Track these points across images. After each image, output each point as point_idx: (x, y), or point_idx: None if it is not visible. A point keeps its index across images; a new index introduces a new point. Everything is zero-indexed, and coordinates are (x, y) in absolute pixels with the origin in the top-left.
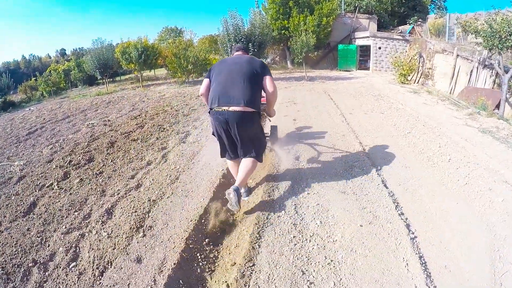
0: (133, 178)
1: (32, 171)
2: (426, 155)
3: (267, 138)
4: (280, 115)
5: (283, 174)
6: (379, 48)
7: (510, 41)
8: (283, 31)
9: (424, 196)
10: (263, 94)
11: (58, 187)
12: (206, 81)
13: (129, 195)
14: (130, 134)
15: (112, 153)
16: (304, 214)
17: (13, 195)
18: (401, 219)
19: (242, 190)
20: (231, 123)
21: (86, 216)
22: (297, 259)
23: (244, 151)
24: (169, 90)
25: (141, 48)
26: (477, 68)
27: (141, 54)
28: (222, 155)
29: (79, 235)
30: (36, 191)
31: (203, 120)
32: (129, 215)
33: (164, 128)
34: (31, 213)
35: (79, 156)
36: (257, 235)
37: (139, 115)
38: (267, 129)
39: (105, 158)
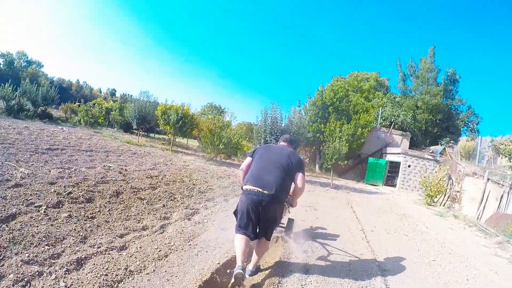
0: (121, 237)
1: (30, 184)
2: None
3: (282, 228)
4: (297, 218)
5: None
6: (409, 166)
7: None
8: (317, 134)
9: None
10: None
11: (44, 212)
12: (248, 159)
13: (108, 254)
14: (139, 191)
15: (113, 202)
16: None
17: (0, 197)
18: None
19: (252, 269)
20: (261, 204)
21: (55, 256)
22: None
23: (262, 231)
24: (195, 163)
25: (181, 114)
26: (508, 193)
27: (179, 119)
28: (237, 230)
29: (37, 272)
30: (22, 205)
31: (216, 202)
32: (97, 276)
33: (174, 198)
34: (5, 224)
35: (81, 192)
36: None
37: (156, 176)
38: (284, 220)
39: (104, 205)
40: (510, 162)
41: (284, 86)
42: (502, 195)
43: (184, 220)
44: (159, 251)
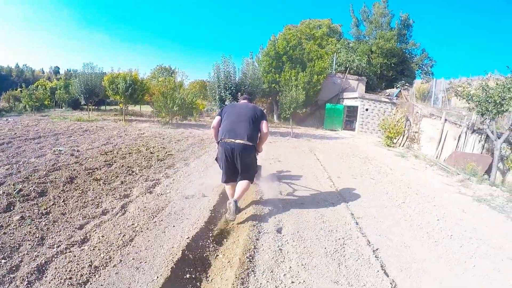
0: (81, 229)
1: None
2: (425, 231)
3: None
4: (262, 172)
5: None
6: (366, 109)
7: (505, 106)
8: (273, 85)
9: (431, 285)
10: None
11: None
12: (217, 117)
13: (70, 251)
14: (94, 172)
15: (68, 190)
16: None
17: None
18: None
19: (233, 203)
20: (236, 151)
21: (13, 269)
22: None
23: (242, 174)
24: (150, 129)
25: (130, 81)
26: (466, 133)
27: (128, 87)
28: (223, 180)
29: None
30: None
31: (177, 168)
32: (61, 282)
33: (133, 171)
34: None
35: (32, 186)
36: None
37: (111, 151)
38: None
39: (58, 196)
40: (468, 104)
41: (235, 39)
42: (460, 135)
43: (145, 194)
44: (123, 236)
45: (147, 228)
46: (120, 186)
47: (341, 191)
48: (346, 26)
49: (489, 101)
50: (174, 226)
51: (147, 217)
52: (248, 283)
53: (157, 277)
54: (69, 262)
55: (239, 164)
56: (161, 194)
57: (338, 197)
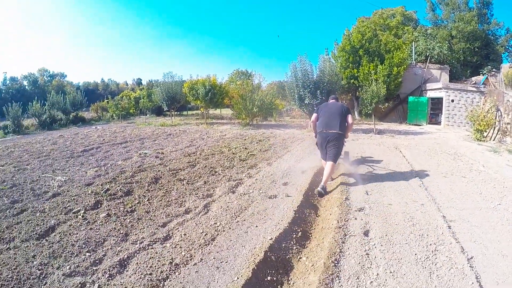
0: (164, 227)
1: (68, 191)
2: None
3: (341, 158)
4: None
5: None
6: (452, 100)
7: None
8: (352, 80)
9: None
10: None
11: (83, 216)
12: (315, 114)
13: (152, 248)
14: (178, 172)
15: (152, 190)
16: None
17: (39, 211)
18: None
19: (324, 189)
20: (330, 139)
21: (97, 262)
22: None
23: (332, 158)
24: (231, 131)
25: (209, 86)
26: None
27: (208, 92)
28: (322, 157)
29: (80, 284)
30: (61, 214)
31: (259, 168)
32: (141, 277)
33: (215, 172)
34: (45, 239)
35: (119, 186)
36: None
37: (194, 153)
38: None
39: (143, 195)
40: None
41: (307, 38)
42: None
43: (228, 194)
44: (205, 235)
45: (230, 228)
46: (203, 186)
47: (430, 191)
48: (421, 12)
49: None
50: (256, 226)
51: (229, 216)
52: None
53: (237, 278)
54: (150, 258)
55: (332, 148)
56: (244, 194)
57: (428, 197)
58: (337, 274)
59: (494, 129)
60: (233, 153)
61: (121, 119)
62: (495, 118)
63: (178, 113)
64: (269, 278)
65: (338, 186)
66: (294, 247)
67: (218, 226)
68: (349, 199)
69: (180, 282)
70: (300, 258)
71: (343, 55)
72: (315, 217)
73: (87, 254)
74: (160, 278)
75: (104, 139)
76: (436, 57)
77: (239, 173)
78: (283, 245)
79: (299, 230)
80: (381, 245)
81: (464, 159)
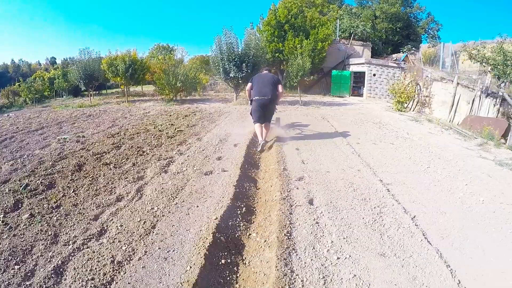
0: (96, 220)
1: None
2: (457, 196)
3: (273, 123)
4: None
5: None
6: (374, 75)
7: None
8: (277, 54)
9: (475, 253)
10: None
11: (3, 222)
12: (249, 84)
13: (88, 247)
14: (103, 156)
15: (77, 179)
16: None
17: None
18: None
19: (265, 139)
20: (264, 104)
21: (28, 275)
22: None
23: (266, 118)
24: (155, 108)
25: (129, 62)
26: (480, 96)
27: (128, 67)
28: (255, 121)
29: None
30: None
31: (190, 144)
32: (83, 284)
33: (143, 152)
34: None
35: (39, 179)
36: None
37: (118, 133)
38: (274, 117)
39: (68, 186)
40: (483, 67)
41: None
42: (473, 99)
43: (160, 175)
44: (143, 224)
45: (169, 212)
46: (132, 169)
47: (363, 157)
48: None
49: (507, 64)
50: (197, 206)
51: (166, 199)
52: (291, 263)
53: (190, 267)
54: (88, 260)
55: (265, 112)
56: (178, 172)
57: (362, 163)
58: (293, 247)
59: (414, 101)
60: (160, 130)
61: (35, 103)
62: (415, 91)
63: (97, 92)
64: (223, 261)
65: (273, 155)
66: (241, 224)
67: (156, 212)
68: (287, 169)
69: (128, 283)
70: (250, 234)
71: (269, 29)
72: (256, 190)
73: (16, 267)
74: (104, 281)
75: (18, 127)
76: (359, 34)
77: (168, 151)
78: (230, 223)
79: (242, 206)
80: (328, 213)
81: (389, 127)
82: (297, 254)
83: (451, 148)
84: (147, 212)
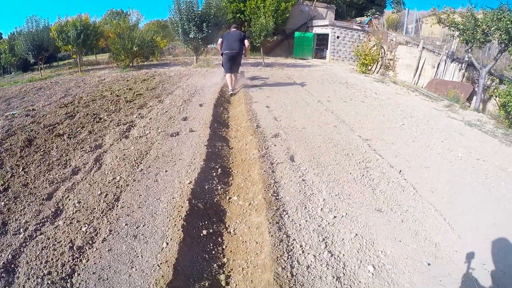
0: (50, 199)
1: None
2: (436, 151)
3: (239, 78)
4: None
5: None
6: (338, 37)
7: (491, 36)
8: (238, 15)
9: (466, 207)
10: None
11: None
12: (220, 39)
13: (42, 233)
14: (55, 127)
15: (27, 155)
16: (343, 255)
17: None
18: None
19: (233, 91)
20: (232, 57)
21: None
22: None
23: (234, 69)
24: (111, 75)
25: (81, 27)
26: (445, 61)
27: (80, 33)
28: (225, 72)
29: None
30: None
31: (151, 107)
32: (38, 282)
33: (100, 118)
34: None
35: None
36: None
37: (71, 102)
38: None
39: (16, 164)
40: (451, 31)
41: None
42: (439, 63)
43: (120, 140)
44: (105, 197)
45: (134, 180)
46: (88, 137)
47: (337, 114)
48: None
49: (477, 29)
50: (166, 171)
51: (130, 166)
52: (285, 227)
53: (167, 244)
54: (43, 249)
55: (233, 63)
56: (140, 136)
57: (338, 119)
58: (283, 208)
59: (378, 64)
60: (117, 95)
61: None
62: (379, 54)
63: (48, 65)
64: (204, 232)
65: (244, 113)
66: (219, 187)
67: (119, 182)
68: (261, 126)
69: (93, 273)
70: (230, 198)
71: None
72: (230, 150)
73: None
74: (64, 275)
75: None
76: None
77: (128, 115)
78: (206, 187)
79: (217, 167)
80: (313, 169)
81: (357, 87)
82: (289, 216)
83: (420, 108)
84: (108, 183)
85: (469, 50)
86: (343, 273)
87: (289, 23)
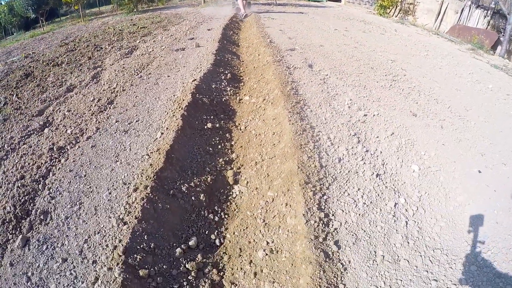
0: (40, 115)
1: None
2: (465, 79)
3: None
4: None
5: None
6: None
7: None
8: None
9: (505, 129)
10: None
11: None
12: None
13: (25, 143)
14: (54, 60)
15: (22, 85)
16: (381, 152)
17: None
18: None
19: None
20: None
21: None
22: None
23: None
24: (115, 19)
25: None
26: (470, 6)
27: None
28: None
29: None
30: None
31: (155, 34)
32: (9, 186)
33: (101, 48)
34: None
35: None
36: None
37: (72, 41)
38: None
39: (11, 94)
40: None
41: None
42: (463, 8)
43: (121, 60)
44: (98, 102)
45: (132, 85)
46: (87, 62)
47: (357, 39)
48: None
49: None
50: (168, 76)
51: (128, 75)
52: (307, 118)
53: (162, 133)
54: (22, 157)
55: None
56: (142, 54)
57: (358, 42)
58: (304, 102)
59: (397, 7)
60: (120, 30)
61: None
62: None
63: (50, 21)
64: (209, 125)
65: (255, 33)
66: (228, 89)
67: (115, 88)
68: (274, 42)
69: (70, 170)
70: (241, 99)
71: None
72: (240, 62)
73: None
74: (37, 177)
75: None
76: None
77: (131, 42)
78: (213, 86)
79: (227, 72)
80: (336, 75)
81: (375, 25)
82: (311, 110)
83: (444, 47)
84: (103, 90)
85: None
86: (384, 170)
87: None
